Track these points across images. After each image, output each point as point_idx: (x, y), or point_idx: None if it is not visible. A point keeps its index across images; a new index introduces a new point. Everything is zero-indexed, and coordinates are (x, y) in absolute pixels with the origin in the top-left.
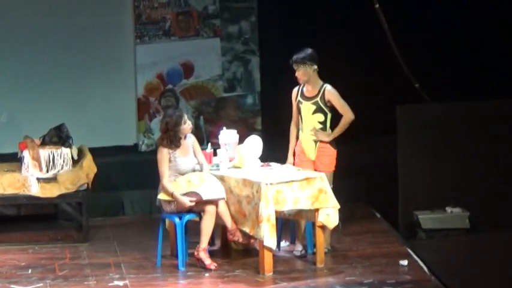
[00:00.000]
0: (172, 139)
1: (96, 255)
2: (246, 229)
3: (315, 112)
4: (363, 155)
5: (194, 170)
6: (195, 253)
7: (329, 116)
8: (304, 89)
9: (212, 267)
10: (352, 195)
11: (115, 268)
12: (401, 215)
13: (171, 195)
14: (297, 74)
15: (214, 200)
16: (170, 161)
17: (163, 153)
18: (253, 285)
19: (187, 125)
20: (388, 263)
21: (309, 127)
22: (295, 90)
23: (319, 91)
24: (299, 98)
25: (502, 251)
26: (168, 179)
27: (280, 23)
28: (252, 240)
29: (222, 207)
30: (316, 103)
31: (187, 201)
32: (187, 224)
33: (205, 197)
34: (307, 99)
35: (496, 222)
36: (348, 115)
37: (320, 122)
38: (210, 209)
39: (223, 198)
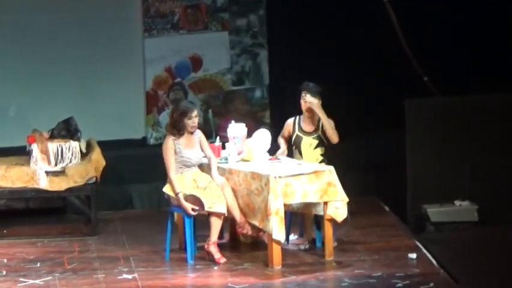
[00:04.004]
0: (175, 125)
1: (105, 249)
2: (255, 222)
3: (317, 146)
4: (372, 149)
5: (202, 164)
6: (205, 246)
7: (326, 147)
8: (302, 123)
9: (221, 261)
10: (360, 188)
11: (124, 261)
12: (409, 208)
13: (176, 195)
14: (306, 105)
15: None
16: (176, 152)
17: (169, 144)
18: (262, 278)
19: (191, 121)
20: (397, 257)
21: (310, 161)
22: (290, 122)
23: (318, 125)
24: (297, 132)
25: (510, 244)
26: (175, 173)
27: (289, 16)
28: (260, 233)
29: (230, 200)
30: (318, 137)
31: (190, 210)
32: (195, 217)
33: (207, 208)
34: (308, 134)
35: (505, 216)
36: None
37: (321, 155)
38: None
39: (224, 214)
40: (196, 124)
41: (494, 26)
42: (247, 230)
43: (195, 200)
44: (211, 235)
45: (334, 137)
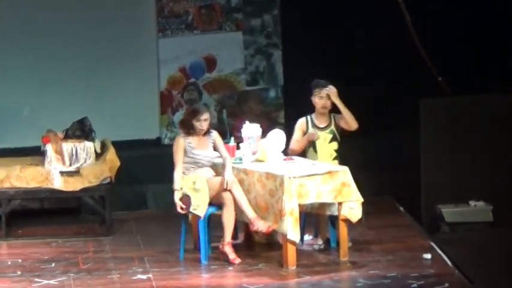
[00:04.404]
0: (185, 124)
1: (119, 249)
2: (269, 223)
3: (331, 141)
4: (386, 149)
5: (216, 164)
6: (220, 247)
7: (340, 144)
8: (315, 120)
9: (236, 261)
10: (375, 188)
11: (138, 262)
12: (424, 208)
13: (172, 190)
14: (322, 101)
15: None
16: (186, 151)
17: (179, 143)
18: (276, 278)
19: (199, 124)
20: (412, 257)
21: (325, 157)
22: (303, 121)
23: (331, 120)
24: (311, 128)
25: None
26: (179, 171)
27: (303, 16)
28: (271, 228)
29: (239, 196)
30: (331, 131)
31: (179, 208)
32: (209, 217)
33: (191, 209)
34: (322, 129)
35: None
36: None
37: (335, 150)
38: (227, 201)
39: (201, 217)
40: (204, 128)
41: (509, 25)
42: (258, 227)
43: (186, 202)
44: (224, 235)
45: (353, 123)
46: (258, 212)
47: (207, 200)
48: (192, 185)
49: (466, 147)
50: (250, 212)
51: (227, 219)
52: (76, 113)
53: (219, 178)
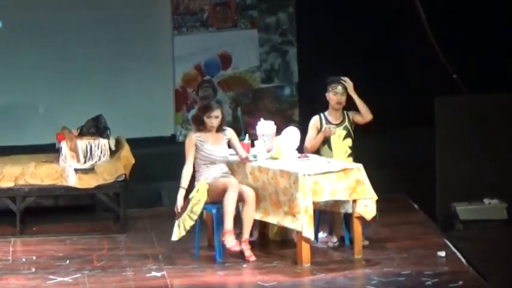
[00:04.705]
0: (196, 120)
1: (134, 246)
2: (281, 221)
3: (345, 137)
4: (401, 146)
5: (229, 161)
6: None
7: (354, 140)
8: (328, 117)
9: (251, 259)
10: (389, 186)
11: (153, 259)
12: (439, 206)
13: (179, 188)
14: (337, 97)
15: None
16: (197, 147)
17: (191, 139)
18: (291, 276)
19: (209, 121)
20: (426, 255)
21: (340, 153)
22: (316, 118)
23: (344, 117)
24: (325, 126)
25: None
26: (189, 168)
27: (318, 13)
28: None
29: (228, 204)
30: (345, 128)
31: (178, 207)
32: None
33: (182, 217)
34: (336, 126)
35: None
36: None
37: (349, 147)
38: (248, 199)
39: (193, 222)
40: (214, 125)
41: None
42: (226, 241)
43: (186, 205)
44: (243, 232)
45: (368, 115)
46: (270, 210)
47: (201, 206)
48: (196, 192)
49: (481, 145)
50: (228, 224)
51: (246, 217)
52: (91, 110)
53: (222, 180)
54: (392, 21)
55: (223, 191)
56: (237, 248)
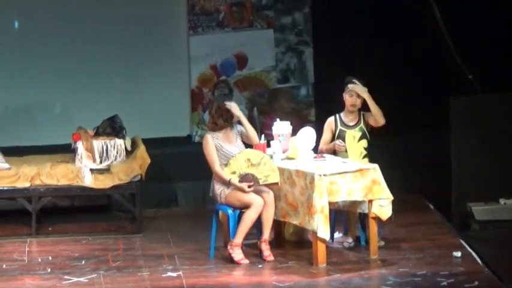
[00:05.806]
0: (214, 120)
1: (150, 247)
2: (296, 222)
3: (360, 139)
4: (416, 146)
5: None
6: (258, 243)
7: (369, 142)
8: (344, 118)
9: (269, 259)
10: (405, 186)
11: (168, 259)
12: (454, 206)
13: (229, 182)
14: (352, 99)
15: (270, 185)
16: (217, 148)
17: (208, 140)
18: (306, 276)
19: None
20: (442, 255)
21: (355, 155)
22: (331, 119)
23: (359, 118)
24: (340, 127)
25: None
26: (219, 166)
27: (334, 13)
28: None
29: (251, 215)
30: (361, 129)
31: (246, 188)
32: (240, 215)
33: (262, 182)
34: (351, 127)
35: None
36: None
37: (365, 148)
38: (268, 200)
39: (277, 183)
40: (222, 123)
41: None
42: (235, 255)
43: (248, 178)
44: (263, 232)
45: (380, 119)
46: (286, 210)
47: (274, 166)
48: (247, 162)
49: (496, 145)
50: (239, 238)
51: (266, 218)
52: (107, 111)
53: (250, 195)
54: (408, 21)
55: (246, 206)
56: (245, 261)
